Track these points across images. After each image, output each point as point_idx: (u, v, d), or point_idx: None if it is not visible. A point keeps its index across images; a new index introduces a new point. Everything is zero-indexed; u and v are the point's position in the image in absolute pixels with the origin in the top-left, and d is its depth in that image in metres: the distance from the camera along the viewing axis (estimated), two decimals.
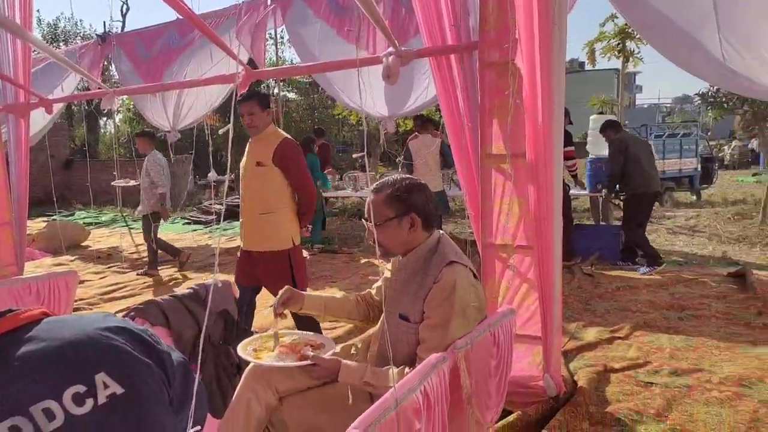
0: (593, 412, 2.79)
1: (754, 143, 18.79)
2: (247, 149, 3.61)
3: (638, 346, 3.65)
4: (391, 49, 3.11)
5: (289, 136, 3.56)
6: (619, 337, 3.84)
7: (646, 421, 2.68)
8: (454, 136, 3.08)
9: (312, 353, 1.75)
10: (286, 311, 2.07)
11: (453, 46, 2.92)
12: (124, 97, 13.94)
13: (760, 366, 3.22)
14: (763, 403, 2.80)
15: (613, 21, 7.84)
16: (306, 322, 2.93)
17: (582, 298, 4.77)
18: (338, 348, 2.00)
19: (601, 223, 7.04)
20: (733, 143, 20.89)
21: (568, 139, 6.04)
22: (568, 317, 4.31)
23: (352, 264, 6.64)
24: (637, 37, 7.68)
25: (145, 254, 6.61)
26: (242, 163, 3.67)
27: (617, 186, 6.10)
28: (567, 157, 6.09)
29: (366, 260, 6.66)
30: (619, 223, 6.84)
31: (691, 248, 6.77)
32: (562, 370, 3.13)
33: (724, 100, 7.32)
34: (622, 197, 6.44)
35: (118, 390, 0.78)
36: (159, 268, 6.38)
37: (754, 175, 15.35)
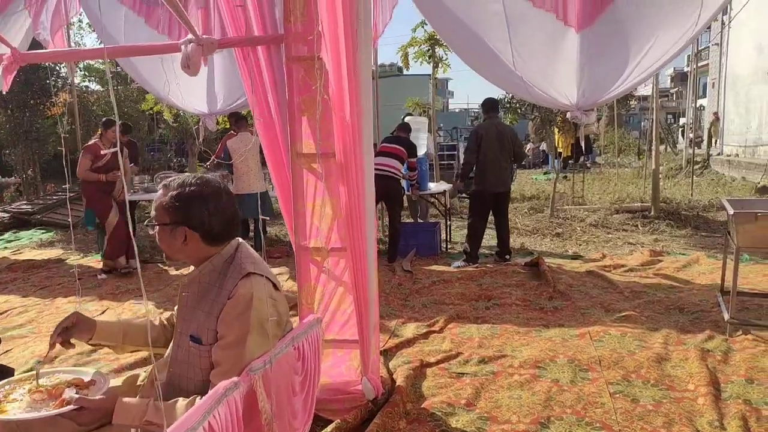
0: (410, 409, 2.82)
1: (544, 145, 21.44)
2: None
3: (451, 338, 3.83)
4: (191, 36, 2.82)
5: None
6: (435, 331, 3.99)
7: (457, 412, 2.78)
8: (265, 134, 2.90)
9: (77, 394, 1.45)
10: (73, 340, 1.70)
11: (259, 38, 2.73)
12: None
13: (552, 347, 3.56)
14: (555, 382, 3.08)
15: (423, 27, 8.28)
16: None
17: (401, 295, 4.91)
18: (119, 381, 1.70)
19: (419, 220, 7.39)
20: (528, 146, 23.64)
21: (412, 151, 6.18)
22: (389, 315, 4.39)
23: (164, 274, 6.07)
24: (444, 44, 8.20)
25: None
26: None
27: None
28: (411, 167, 6.24)
29: (182, 270, 6.14)
30: (434, 220, 7.22)
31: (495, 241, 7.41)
32: (381, 370, 3.13)
33: (517, 106, 8.14)
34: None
35: None
36: None
37: (545, 173, 17.52)
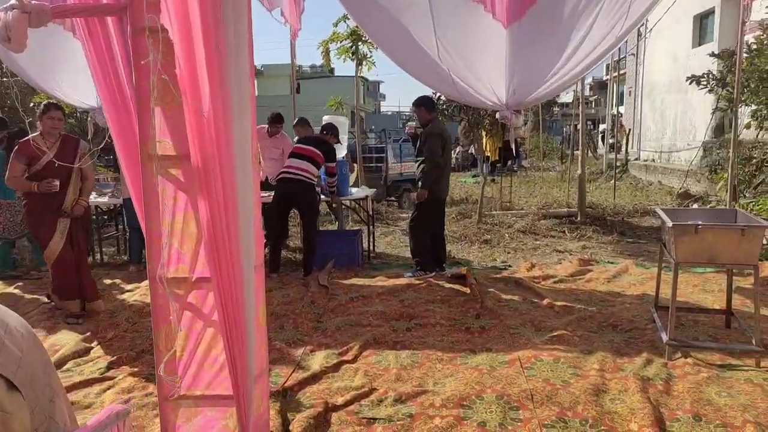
0: None
1: (472, 149, 21.52)
2: None
3: (365, 370, 3.30)
4: (14, 1, 2.13)
5: None
6: (347, 361, 3.45)
7: None
8: (116, 127, 2.27)
9: None
10: None
11: (101, 6, 2.09)
12: None
13: (479, 379, 3.11)
14: (481, 426, 2.62)
15: (345, 22, 7.75)
16: None
17: (314, 316, 4.33)
18: None
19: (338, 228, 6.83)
20: (458, 149, 23.69)
21: (331, 154, 5.58)
22: (296, 342, 3.81)
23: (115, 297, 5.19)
24: (368, 40, 7.72)
25: None
26: None
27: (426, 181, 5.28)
28: (329, 173, 5.65)
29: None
30: (356, 228, 6.70)
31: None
32: (273, 422, 2.56)
33: (445, 108, 7.78)
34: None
35: None
36: None
37: (473, 176, 17.48)
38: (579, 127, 8.60)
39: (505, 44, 4.29)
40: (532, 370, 3.21)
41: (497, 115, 5.49)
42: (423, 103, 5.50)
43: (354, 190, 6.50)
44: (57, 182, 4.17)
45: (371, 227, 6.47)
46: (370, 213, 6.29)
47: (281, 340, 3.80)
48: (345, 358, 3.49)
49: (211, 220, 1.79)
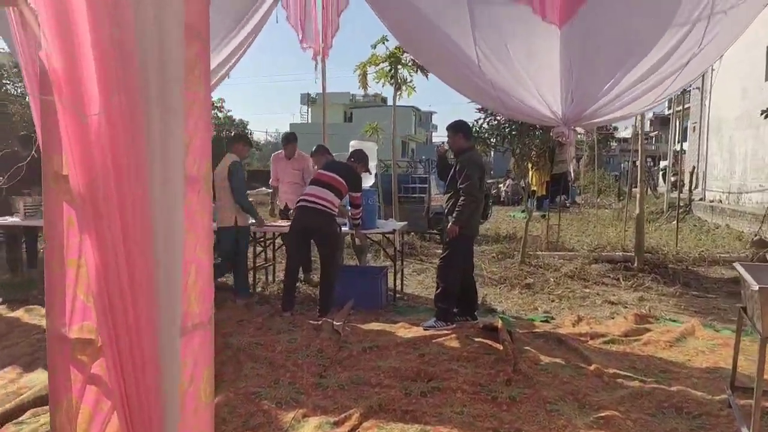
0: None
1: (523, 182, 20.72)
2: None
3: None
4: None
5: None
6: None
7: None
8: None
9: None
10: None
11: None
12: None
13: None
14: None
15: (384, 44, 7.34)
16: None
17: (317, 368, 3.76)
18: None
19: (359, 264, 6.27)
20: (508, 181, 22.87)
21: (356, 183, 5.09)
22: (290, 401, 3.25)
23: (17, 322, 4.85)
24: (408, 63, 7.27)
25: None
26: None
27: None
28: (353, 204, 5.15)
29: None
30: (376, 264, 6.13)
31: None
32: None
33: (486, 136, 7.18)
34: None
35: None
36: None
37: (522, 211, 16.67)
38: (638, 162, 7.83)
39: (559, 47, 3.71)
40: None
41: (552, 132, 4.85)
42: (461, 129, 4.90)
43: (381, 221, 5.95)
44: None
45: (397, 264, 5.87)
46: (398, 248, 5.70)
47: (271, 399, 3.24)
48: (339, 430, 2.89)
49: (101, 265, 1.28)
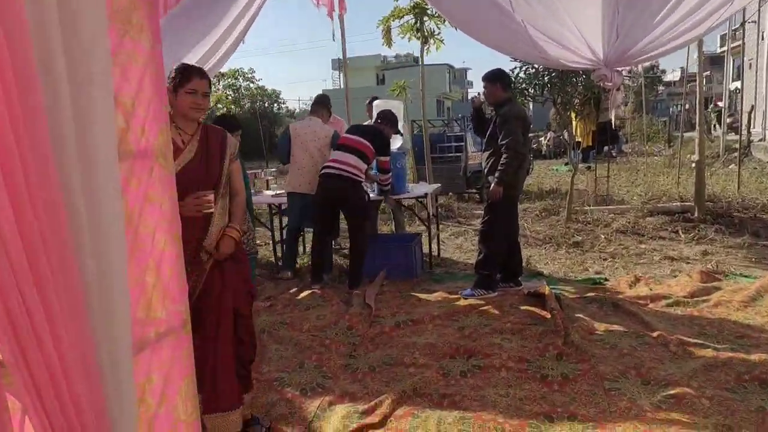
0: None
1: (566, 134, 19.78)
2: None
3: None
4: None
5: None
6: (372, 426, 2.54)
7: None
8: None
9: None
10: None
11: None
12: None
13: None
14: None
15: None
16: None
17: (346, 347, 3.46)
18: None
19: (394, 231, 5.90)
20: (549, 134, 21.89)
21: (384, 147, 4.68)
22: (316, 387, 2.96)
23: None
24: (435, 14, 6.69)
25: None
26: None
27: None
28: (382, 169, 4.76)
29: None
30: (409, 230, 5.75)
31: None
32: None
33: (524, 86, 6.59)
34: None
35: None
36: None
37: (565, 164, 15.87)
38: (692, 104, 7.11)
39: None
40: None
41: (592, 76, 4.30)
42: (499, 78, 4.31)
43: (411, 185, 5.53)
44: (212, 196, 2.36)
45: (431, 230, 5.48)
46: (432, 212, 5.29)
47: (296, 386, 2.96)
48: (369, 420, 2.58)
49: None
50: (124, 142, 1.24)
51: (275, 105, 33.48)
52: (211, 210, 2.32)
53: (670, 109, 35.82)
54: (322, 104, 5.25)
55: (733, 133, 20.28)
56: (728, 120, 18.73)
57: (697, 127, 6.96)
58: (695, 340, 3.26)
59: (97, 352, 1.10)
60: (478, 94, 4.46)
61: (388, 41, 7.13)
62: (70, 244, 1.02)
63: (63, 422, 1.05)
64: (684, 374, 2.83)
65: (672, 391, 2.65)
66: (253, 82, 28.56)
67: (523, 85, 6.66)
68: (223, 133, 2.50)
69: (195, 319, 1.93)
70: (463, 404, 2.67)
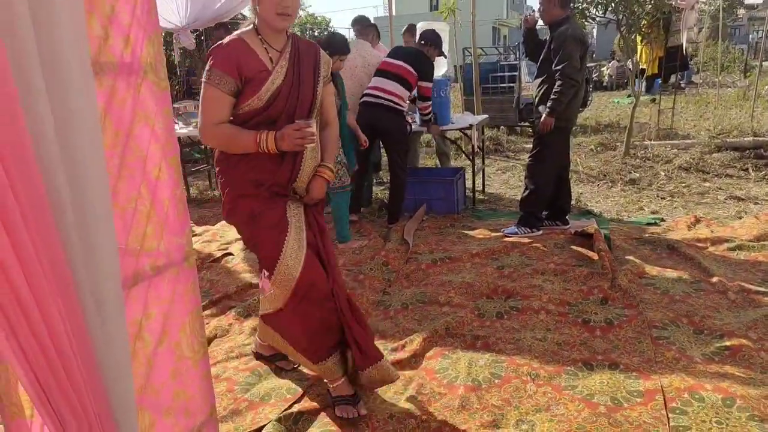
0: None
1: (630, 63, 18.50)
2: None
3: (419, 384, 2.29)
4: None
5: None
6: (400, 362, 2.46)
7: None
8: None
9: None
10: None
11: None
12: None
13: (590, 422, 1.96)
14: None
15: None
16: None
17: (381, 283, 3.37)
18: None
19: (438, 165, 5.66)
20: (613, 62, 20.53)
21: (427, 72, 4.37)
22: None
23: None
24: None
25: None
26: None
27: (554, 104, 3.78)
28: (422, 96, 4.48)
29: None
30: (454, 164, 5.52)
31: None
32: None
33: (584, 5, 6.00)
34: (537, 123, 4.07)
35: None
36: None
37: (628, 96, 14.92)
38: None
39: None
40: (683, 417, 1.98)
41: None
42: None
43: (457, 116, 5.24)
44: (315, 125, 1.98)
45: (477, 164, 5.22)
46: (477, 145, 5.01)
47: None
48: (398, 356, 2.51)
49: None
50: (104, 53, 1.10)
51: (326, 33, 32.79)
52: (314, 143, 1.99)
53: (750, 36, 32.79)
54: (370, 25, 4.94)
55: None
56: None
57: None
58: (758, 288, 2.99)
59: (78, 288, 1.01)
60: (533, 11, 4.02)
61: None
62: (34, 164, 0.91)
63: (45, 366, 0.98)
64: (742, 324, 2.60)
65: (727, 343, 2.44)
66: (303, 9, 27.90)
67: (584, 4, 6.06)
68: (316, 48, 2.10)
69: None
70: (497, 347, 2.55)
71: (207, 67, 1.91)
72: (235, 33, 1.98)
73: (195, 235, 4.60)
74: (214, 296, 3.25)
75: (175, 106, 5.69)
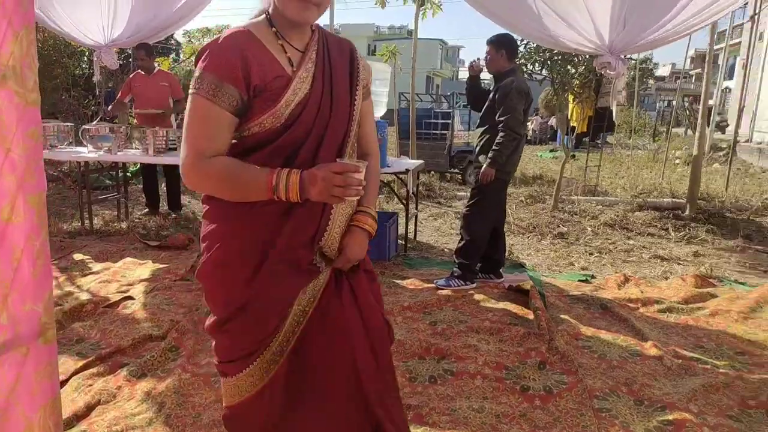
0: None
1: (553, 120, 19.40)
2: None
3: None
4: None
5: None
6: None
7: None
8: None
9: None
10: None
11: None
12: None
13: None
14: None
15: None
16: None
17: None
18: None
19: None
20: (535, 119, 21.52)
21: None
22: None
23: None
24: None
25: None
26: None
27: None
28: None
29: None
30: (391, 210, 5.35)
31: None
32: None
33: (524, 61, 6.14)
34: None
35: None
36: None
37: (551, 151, 15.59)
38: (680, 101, 6.77)
39: None
40: None
41: (595, 63, 3.95)
42: (505, 44, 3.78)
43: (391, 159, 5.08)
44: (364, 168, 1.31)
45: (410, 209, 5.05)
46: (411, 191, 4.86)
47: None
48: None
49: None
50: None
51: None
52: (360, 195, 1.33)
53: (657, 105, 35.80)
54: None
55: (720, 132, 20.21)
56: (717, 119, 18.57)
57: (699, 120, 6.61)
58: (692, 354, 2.92)
59: None
60: (478, 59, 3.95)
61: (382, 2, 6.60)
62: None
63: None
64: (682, 395, 2.49)
65: (670, 416, 2.31)
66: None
67: (522, 60, 6.20)
68: (350, 47, 1.50)
69: (301, 361, 1.32)
70: (431, 419, 2.29)
71: (197, 73, 1.29)
72: (238, 25, 1.38)
73: (91, 273, 4.07)
74: (103, 350, 2.76)
75: (86, 127, 5.17)
